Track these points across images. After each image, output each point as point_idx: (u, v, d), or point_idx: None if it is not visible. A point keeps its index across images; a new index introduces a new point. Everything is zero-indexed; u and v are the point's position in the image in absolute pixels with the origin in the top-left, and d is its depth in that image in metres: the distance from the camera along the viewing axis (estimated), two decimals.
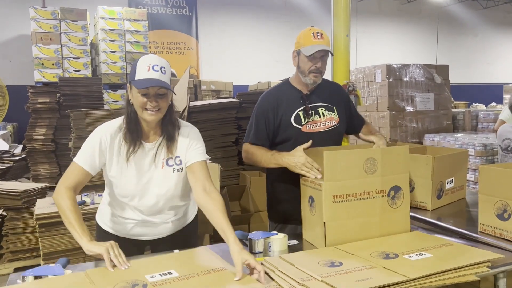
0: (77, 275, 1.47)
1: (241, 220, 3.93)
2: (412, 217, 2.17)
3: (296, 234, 2.05)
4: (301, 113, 2.19)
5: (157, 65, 1.67)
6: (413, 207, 2.28)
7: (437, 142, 5.87)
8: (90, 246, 1.56)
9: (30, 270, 1.49)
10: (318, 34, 2.13)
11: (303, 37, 2.15)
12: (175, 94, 1.81)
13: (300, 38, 2.17)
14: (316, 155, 1.90)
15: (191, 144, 1.82)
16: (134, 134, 1.75)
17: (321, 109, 2.23)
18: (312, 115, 2.20)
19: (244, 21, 11.29)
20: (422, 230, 2.03)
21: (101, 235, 1.97)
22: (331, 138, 2.25)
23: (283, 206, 2.27)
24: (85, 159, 1.75)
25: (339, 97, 2.34)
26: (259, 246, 1.75)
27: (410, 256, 1.57)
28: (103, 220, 1.99)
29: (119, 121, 1.81)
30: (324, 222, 1.72)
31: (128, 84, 1.76)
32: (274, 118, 2.19)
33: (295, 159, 1.94)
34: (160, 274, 1.41)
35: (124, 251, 1.61)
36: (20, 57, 8.83)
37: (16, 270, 3.72)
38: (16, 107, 8.63)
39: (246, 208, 4.03)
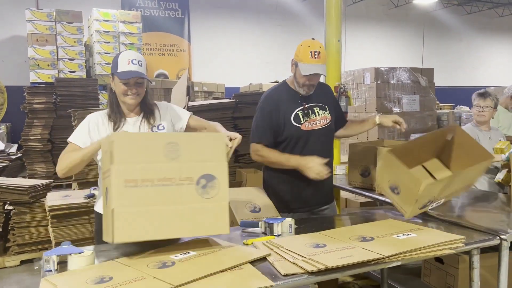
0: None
1: None
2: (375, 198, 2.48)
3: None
4: (299, 112, 2.40)
5: (135, 59, 2.00)
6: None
7: None
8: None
9: (49, 251, 1.55)
10: (316, 53, 2.25)
11: (302, 52, 2.28)
12: (151, 82, 2.08)
13: (300, 52, 2.30)
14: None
15: (172, 111, 2.16)
16: (118, 114, 2.06)
17: (316, 109, 2.45)
18: (309, 114, 2.41)
19: (236, 24, 11.47)
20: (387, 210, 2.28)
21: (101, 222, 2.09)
22: (326, 134, 2.49)
23: (283, 196, 2.45)
24: (76, 137, 2.01)
25: (329, 97, 2.58)
26: (279, 229, 1.89)
27: (384, 237, 1.77)
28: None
29: (104, 110, 2.13)
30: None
31: (111, 76, 2.07)
32: (277, 118, 2.37)
33: (310, 161, 2.18)
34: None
35: None
36: (13, 58, 8.86)
37: (23, 262, 3.84)
38: (9, 107, 8.67)
39: None
